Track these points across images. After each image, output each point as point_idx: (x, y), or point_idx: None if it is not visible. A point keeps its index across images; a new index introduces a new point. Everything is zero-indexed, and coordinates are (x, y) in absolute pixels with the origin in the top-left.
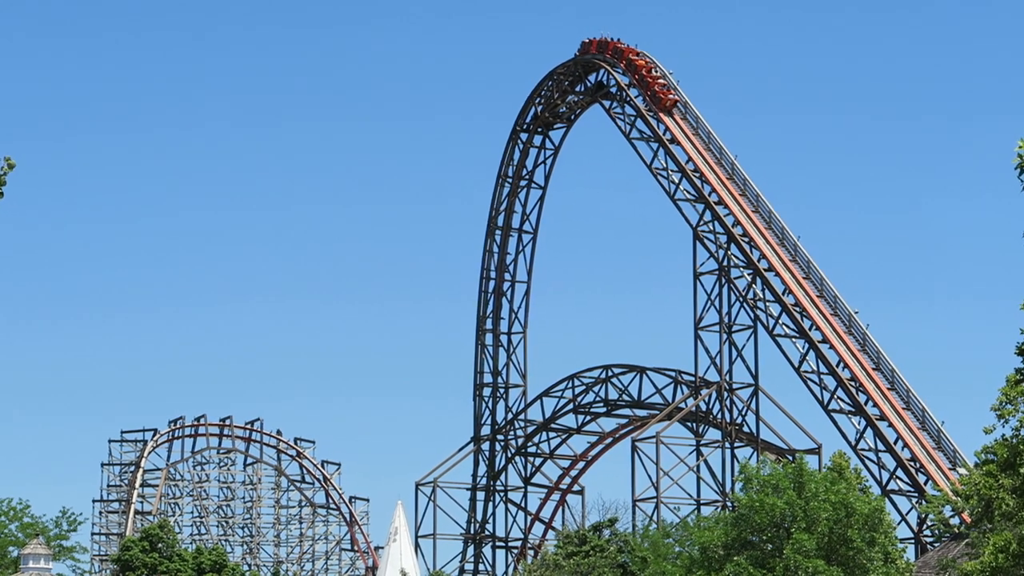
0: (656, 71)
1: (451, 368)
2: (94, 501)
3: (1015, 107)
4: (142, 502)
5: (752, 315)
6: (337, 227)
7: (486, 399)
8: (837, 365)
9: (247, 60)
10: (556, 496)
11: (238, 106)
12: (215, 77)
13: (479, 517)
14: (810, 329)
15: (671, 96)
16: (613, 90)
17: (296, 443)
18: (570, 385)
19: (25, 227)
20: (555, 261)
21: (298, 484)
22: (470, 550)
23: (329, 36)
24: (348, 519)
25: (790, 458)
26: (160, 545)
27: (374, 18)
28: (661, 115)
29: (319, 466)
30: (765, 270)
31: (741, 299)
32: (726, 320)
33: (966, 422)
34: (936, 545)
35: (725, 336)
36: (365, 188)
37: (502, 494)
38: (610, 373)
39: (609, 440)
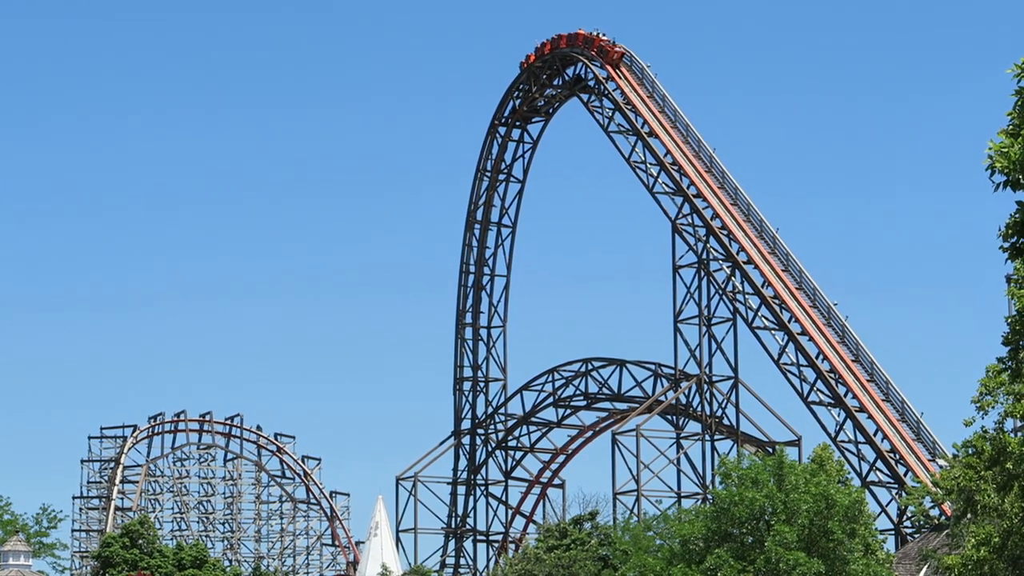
0: (599, 33)
1: (431, 363)
2: (74, 498)
3: (994, 99)
4: (122, 498)
5: (731, 308)
6: (316, 222)
7: (466, 393)
8: (816, 357)
9: (227, 57)
10: (537, 490)
11: (217, 103)
12: (195, 74)
13: (460, 511)
14: (789, 321)
15: (617, 49)
16: (591, 83)
17: (276, 438)
18: (550, 379)
19: (2, 223)
20: (534, 255)
21: (278, 479)
22: (451, 544)
23: (307, 31)
24: (329, 514)
25: (770, 450)
26: (141, 541)
27: (353, 13)
28: (639, 108)
29: (299, 461)
30: (744, 263)
31: (720, 292)
32: (705, 313)
33: (945, 413)
34: (916, 536)
35: (704, 329)
36: (344, 183)
37: (483, 488)
38: (590, 366)
39: (589, 433)
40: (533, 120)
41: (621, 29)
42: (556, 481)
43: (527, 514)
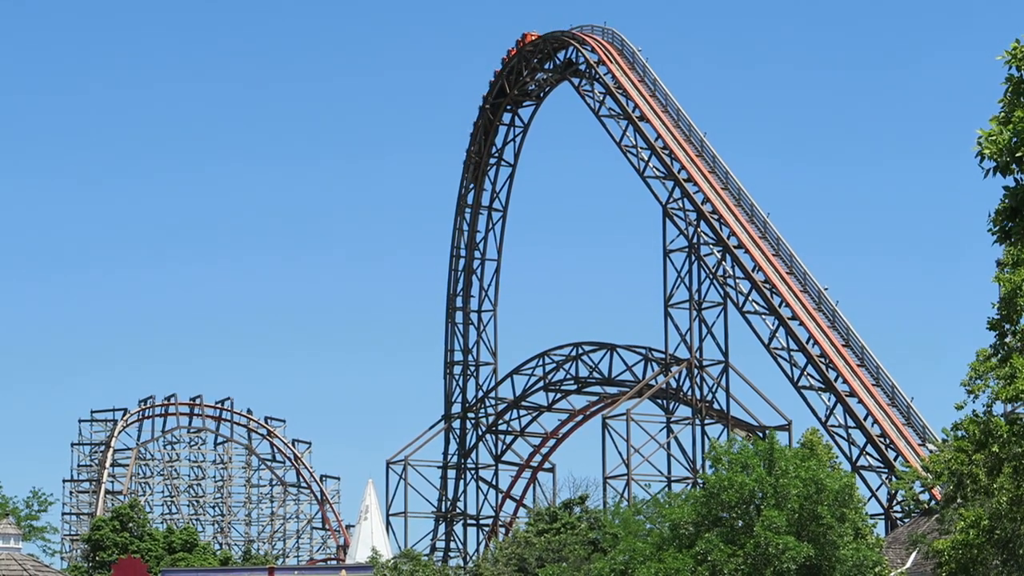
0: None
1: (421, 346)
2: (64, 481)
3: (984, 84)
4: (112, 482)
5: (722, 292)
6: (306, 206)
7: (457, 377)
8: (807, 342)
9: (212, 40)
10: (527, 474)
11: (203, 85)
12: (178, 55)
13: (450, 495)
14: (780, 306)
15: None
16: (582, 67)
17: (267, 422)
18: (540, 363)
19: None
20: (525, 239)
21: (269, 463)
22: (441, 528)
23: (298, 13)
24: (319, 498)
25: (760, 435)
26: (131, 525)
27: None
28: (630, 92)
29: (290, 445)
30: (735, 247)
31: (711, 276)
32: (696, 297)
33: (935, 398)
34: (906, 521)
35: (695, 313)
36: (335, 166)
37: (473, 472)
38: (580, 351)
39: (580, 417)
40: (524, 104)
41: (613, 13)
42: (546, 465)
43: (517, 498)
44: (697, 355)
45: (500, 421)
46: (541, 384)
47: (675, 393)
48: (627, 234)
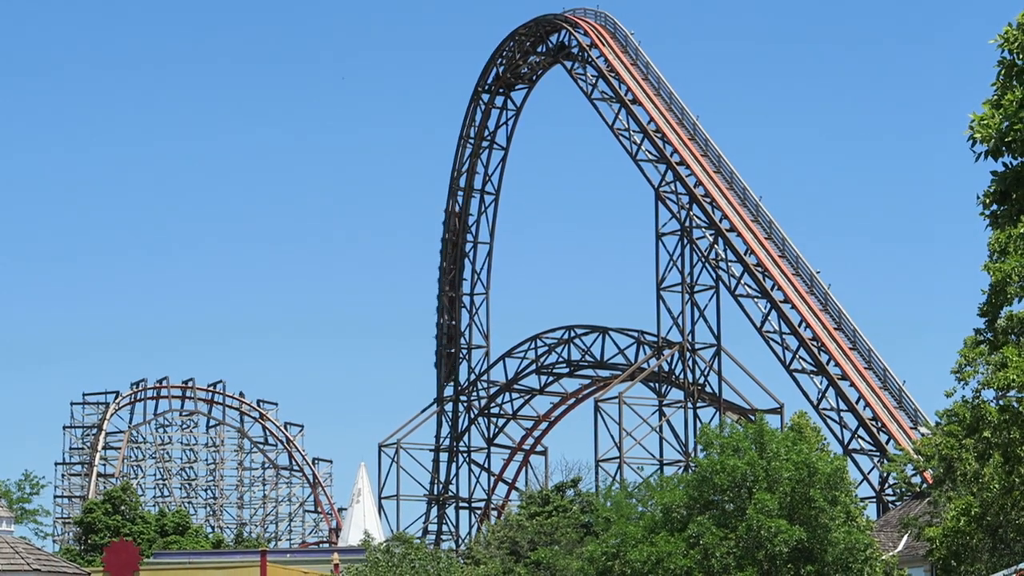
0: None
1: (414, 329)
2: (56, 464)
3: (978, 67)
4: (104, 465)
5: (714, 275)
6: (298, 189)
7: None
8: (799, 325)
9: (201, 23)
10: (519, 457)
11: (194, 63)
12: (177, 43)
13: (442, 478)
14: (772, 289)
15: None
16: (574, 50)
17: (259, 405)
18: (533, 346)
19: None
20: (517, 222)
21: (261, 446)
22: (433, 511)
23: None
24: (311, 481)
25: (752, 418)
26: (123, 507)
27: None
28: (623, 76)
29: (282, 428)
30: (727, 230)
31: (703, 259)
32: (688, 280)
33: (927, 381)
34: (897, 504)
35: (687, 296)
36: (326, 150)
37: (465, 455)
38: (573, 334)
39: (572, 401)
40: (517, 87)
41: None
42: (538, 448)
43: (509, 481)
44: (689, 338)
45: (492, 404)
46: (533, 367)
47: (667, 376)
48: (619, 217)
